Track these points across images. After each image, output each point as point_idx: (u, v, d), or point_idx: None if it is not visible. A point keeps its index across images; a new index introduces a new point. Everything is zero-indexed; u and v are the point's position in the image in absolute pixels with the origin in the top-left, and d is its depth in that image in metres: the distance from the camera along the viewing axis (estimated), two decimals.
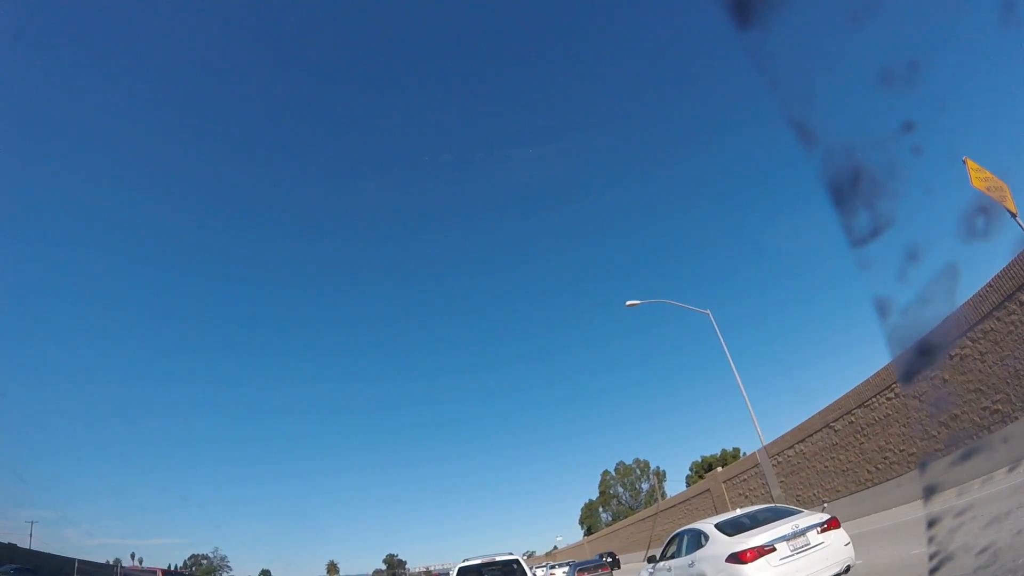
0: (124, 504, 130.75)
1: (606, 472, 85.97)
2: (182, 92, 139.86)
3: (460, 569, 9.50)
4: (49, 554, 38.29)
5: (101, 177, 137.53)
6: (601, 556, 40.32)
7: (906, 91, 1.56)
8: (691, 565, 8.25)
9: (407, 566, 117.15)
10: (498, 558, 9.65)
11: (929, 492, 4.61)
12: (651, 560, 10.56)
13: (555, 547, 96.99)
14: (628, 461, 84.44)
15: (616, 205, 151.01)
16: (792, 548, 6.98)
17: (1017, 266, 10.61)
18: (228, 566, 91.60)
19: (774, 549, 6.94)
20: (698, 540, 8.45)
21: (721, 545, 7.60)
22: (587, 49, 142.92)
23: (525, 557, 10.28)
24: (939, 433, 12.66)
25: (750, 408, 22.86)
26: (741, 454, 58.39)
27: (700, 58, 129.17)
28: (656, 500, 68.86)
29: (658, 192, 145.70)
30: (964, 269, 1.55)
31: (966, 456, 4.97)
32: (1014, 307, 10.73)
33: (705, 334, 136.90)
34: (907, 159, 1.55)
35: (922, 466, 5.77)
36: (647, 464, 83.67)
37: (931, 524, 4.86)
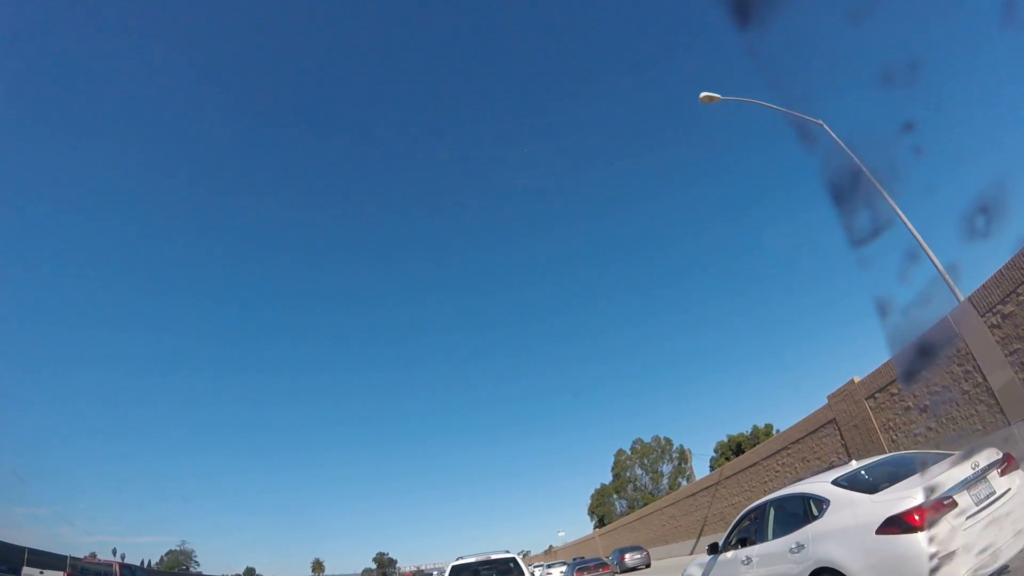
0: (122, 504, 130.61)
1: (620, 452, 72.87)
2: (180, 97, 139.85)
3: (453, 568, 9.20)
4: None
5: (102, 173, 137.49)
6: (575, 560, 35.22)
7: (906, 91, 1.57)
8: (797, 548, 5.63)
9: (398, 565, 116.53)
10: (494, 556, 9.36)
11: (929, 492, 4.57)
12: (712, 550, 7.75)
13: (550, 546, 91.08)
14: (646, 439, 72.19)
15: (615, 189, 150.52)
16: (976, 500, 4.63)
17: (1017, 264, 10.60)
18: (196, 561, 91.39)
19: (954, 503, 4.52)
20: (803, 510, 5.91)
21: (859, 509, 5.04)
22: (588, 48, 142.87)
23: (520, 556, 9.91)
24: (940, 432, 12.66)
25: (922, 243, 11.17)
26: (774, 431, 48.48)
27: (700, 53, 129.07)
28: (681, 483, 61.15)
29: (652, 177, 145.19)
30: (964, 269, 1.56)
31: (967, 456, 4.90)
32: (1012, 307, 10.72)
33: (722, 315, 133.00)
34: (908, 159, 1.55)
35: (922, 466, 5.54)
36: (670, 442, 70.60)
37: (931, 524, 4.75)
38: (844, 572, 4.91)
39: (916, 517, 4.43)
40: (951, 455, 5.41)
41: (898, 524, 4.52)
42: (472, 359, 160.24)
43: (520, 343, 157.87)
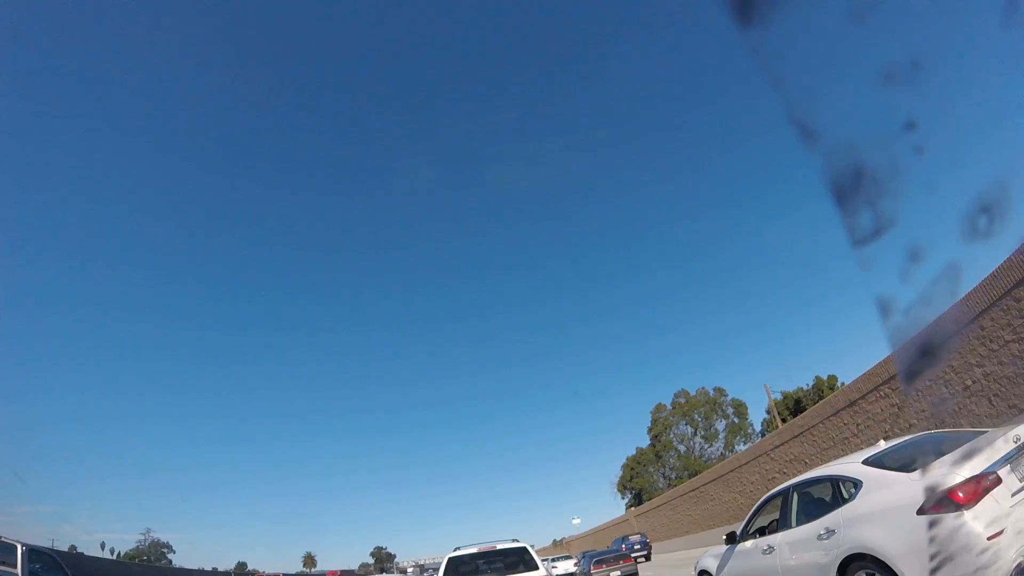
0: (121, 503, 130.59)
1: (659, 407, 57.24)
2: (179, 100, 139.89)
3: (450, 560, 7.79)
4: None
5: (103, 185, 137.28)
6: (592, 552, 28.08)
7: (908, 90, 1.56)
8: (827, 534, 5.32)
9: (396, 559, 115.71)
10: (499, 546, 7.96)
11: (931, 492, 4.56)
12: (730, 539, 7.20)
13: (554, 540, 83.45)
14: (691, 392, 56.53)
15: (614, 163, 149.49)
16: (1020, 477, 4.34)
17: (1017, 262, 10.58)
18: (165, 552, 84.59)
19: (999, 479, 4.26)
20: (831, 493, 5.67)
21: (896, 489, 4.79)
22: (589, 52, 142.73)
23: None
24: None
25: None
26: (839, 383, 40.82)
27: (704, 56, 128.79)
28: (734, 448, 49.78)
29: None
30: (966, 269, 1.55)
31: (967, 456, 4.88)
32: (1011, 304, 10.72)
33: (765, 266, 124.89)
34: (909, 159, 1.54)
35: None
36: (722, 392, 55.62)
37: (931, 524, 4.71)
38: (881, 556, 4.64)
39: (960, 494, 4.20)
40: (986, 432, 5.15)
41: (942, 502, 4.29)
42: (470, 342, 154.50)
43: (520, 325, 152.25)
